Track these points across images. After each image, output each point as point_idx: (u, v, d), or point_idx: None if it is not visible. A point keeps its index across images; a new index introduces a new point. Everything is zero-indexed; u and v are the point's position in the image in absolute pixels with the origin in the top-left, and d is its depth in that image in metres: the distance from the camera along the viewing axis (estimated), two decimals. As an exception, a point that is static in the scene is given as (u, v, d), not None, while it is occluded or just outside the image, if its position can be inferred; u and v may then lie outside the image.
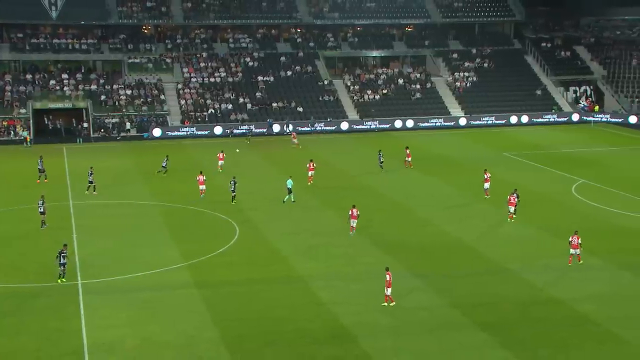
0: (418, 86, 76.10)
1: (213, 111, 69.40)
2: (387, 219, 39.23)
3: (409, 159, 51.81)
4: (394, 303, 27.51)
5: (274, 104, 71.22)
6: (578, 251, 31.90)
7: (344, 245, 34.87)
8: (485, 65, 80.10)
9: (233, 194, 42.25)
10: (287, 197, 42.22)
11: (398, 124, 70.35)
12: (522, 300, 28.07)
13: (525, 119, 72.76)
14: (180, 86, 71.78)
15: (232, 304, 27.87)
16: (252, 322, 26.31)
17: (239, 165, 53.17)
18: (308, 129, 68.25)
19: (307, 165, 47.16)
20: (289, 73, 75.69)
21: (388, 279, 27.49)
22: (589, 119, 73.45)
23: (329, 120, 69.65)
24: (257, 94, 72.30)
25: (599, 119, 73.32)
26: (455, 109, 74.02)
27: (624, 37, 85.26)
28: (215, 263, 32.46)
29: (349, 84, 75.73)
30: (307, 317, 26.74)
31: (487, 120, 72.21)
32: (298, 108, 71.17)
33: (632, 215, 39.34)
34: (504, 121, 72.29)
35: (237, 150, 56.43)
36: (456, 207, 41.82)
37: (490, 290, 29.19)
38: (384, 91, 74.91)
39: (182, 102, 70.07)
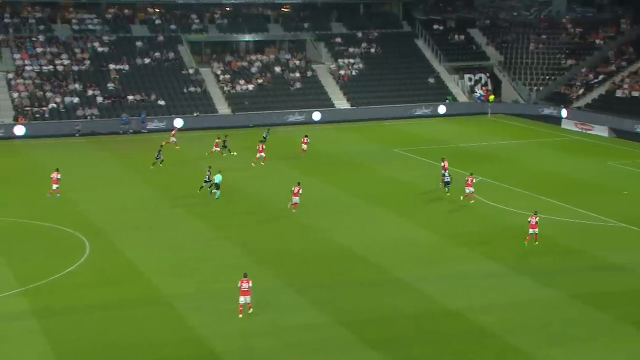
0: (297, 75, 76.96)
1: (55, 106, 67.26)
2: (264, 226, 39.42)
3: (305, 146, 56.40)
4: (241, 316, 28.22)
5: (130, 97, 69.93)
6: (536, 230, 36.23)
7: (214, 259, 34.78)
8: (372, 50, 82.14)
9: (205, 182, 44.71)
10: (213, 191, 44.05)
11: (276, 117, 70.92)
12: (416, 313, 29.01)
13: (417, 110, 75.18)
14: (11, 76, 69.00)
15: (81, 334, 27.12)
16: (106, 353, 25.73)
17: (86, 167, 51.94)
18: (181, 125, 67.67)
19: (257, 147, 53.42)
20: (147, 60, 74.54)
21: (239, 285, 28.25)
22: (485, 108, 76.84)
23: (195, 115, 69.16)
24: (109, 85, 70.73)
25: (496, 110, 76.86)
26: (340, 100, 75.44)
27: (520, 18, 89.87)
28: (60, 286, 31.47)
29: (218, 72, 75.52)
30: (173, 344, 26.46)
31: (375, 113, 74.02)
32: (159, 101, 70.22)
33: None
34: (393, 113, 74.38)
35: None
36: (341, 211, 42.62)
37: (381, 303, 29.98)
38: (259, 80, 75.23)
39: (15, 95, 67.45)
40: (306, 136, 57.43)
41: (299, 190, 41.43)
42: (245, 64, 77.71)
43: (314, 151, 58.03)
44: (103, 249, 35.99)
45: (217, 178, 44.27)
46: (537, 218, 36.72)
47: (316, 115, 72.08)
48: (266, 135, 59.25)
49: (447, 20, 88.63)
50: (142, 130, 66.39)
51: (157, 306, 29.56)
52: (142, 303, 29.86)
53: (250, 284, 28.49)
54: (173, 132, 60.20)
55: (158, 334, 27.21)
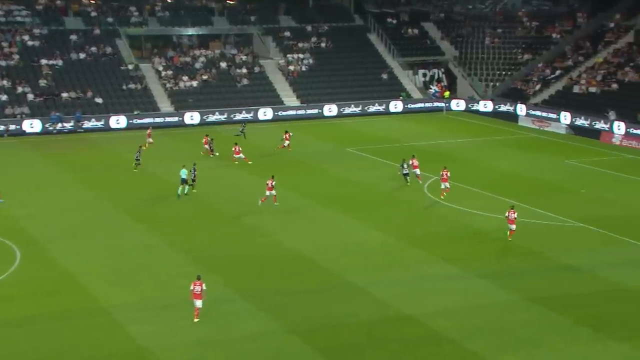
0: (244, 70, 76.82)
1: (-18, 104, 66.28)
2: (209, 231, 39.28)
3: (287, 142, 57.58)
4: (197, 320, 28.30)
5: (64, 94, 69.08)
6: (513, 227, 37.62)
7: (156, 266, 34.53)
8: (323, 45, 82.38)
9: (193, 182, 45.58)
10: (180, 188, 44.77)
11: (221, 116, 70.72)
12: (369, 319, 29.14)
13: (370, 107, 75.64)
14: None
15: (13, 349, 26.58)
16: (41, 369, 25.41)
17: (17, 168, 51.19)
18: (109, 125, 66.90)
19: (233, 149, 53.40)
20: (82, 55, 73.70)
21: (192, 288, 28.46)
22: (441, 105, 77.67)
23: (136, 113, 68.56)
24: (40, 81, 69.74)
25: (451, 107, 77.72)
26: (289, 98, 75.54)
27: (475, 12, 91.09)
28: (-12, 298, 30.95)
29: (160, 68, 75.05)
30: (116, 356, 26.16)
31: (326, 110, 74.23)
32: (96, 99, 69.49)
33: (490, 215, 42.01)
34: (346, 110, 74.70)
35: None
36: (291, 213, 42.68)
37: (332, 309, 30.07)
38: (204, 77, 74.93)
39: (-61, 93, 66.24)
40: (286, 131, 58.15)
41: (272, 184, 42.61)
42: (188, 59, 77.25)
43: (262, 151, 58.04)
44: (35, 257, 35.42)
45: (183, 173, 44.88)
46: (516, 213, 37.97)
47: (264, 113, 72.01)
48: (243, 130, 59.66)
49: (400, 13, 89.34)
50: (78, 130, 65.65)
51: (97, 317, 29.16)
52: (80, 314, 29.41)
53: (204, 287, 28.45)
54: (149, 131, 59.43)
55: (97, 348, 26.79)
